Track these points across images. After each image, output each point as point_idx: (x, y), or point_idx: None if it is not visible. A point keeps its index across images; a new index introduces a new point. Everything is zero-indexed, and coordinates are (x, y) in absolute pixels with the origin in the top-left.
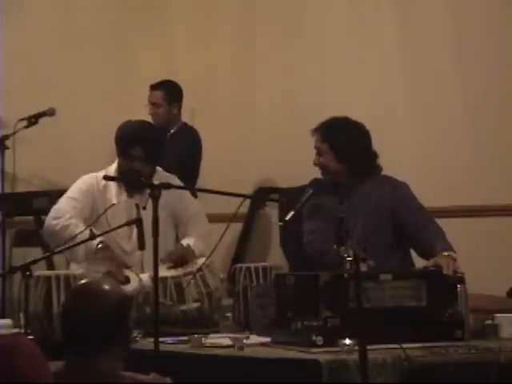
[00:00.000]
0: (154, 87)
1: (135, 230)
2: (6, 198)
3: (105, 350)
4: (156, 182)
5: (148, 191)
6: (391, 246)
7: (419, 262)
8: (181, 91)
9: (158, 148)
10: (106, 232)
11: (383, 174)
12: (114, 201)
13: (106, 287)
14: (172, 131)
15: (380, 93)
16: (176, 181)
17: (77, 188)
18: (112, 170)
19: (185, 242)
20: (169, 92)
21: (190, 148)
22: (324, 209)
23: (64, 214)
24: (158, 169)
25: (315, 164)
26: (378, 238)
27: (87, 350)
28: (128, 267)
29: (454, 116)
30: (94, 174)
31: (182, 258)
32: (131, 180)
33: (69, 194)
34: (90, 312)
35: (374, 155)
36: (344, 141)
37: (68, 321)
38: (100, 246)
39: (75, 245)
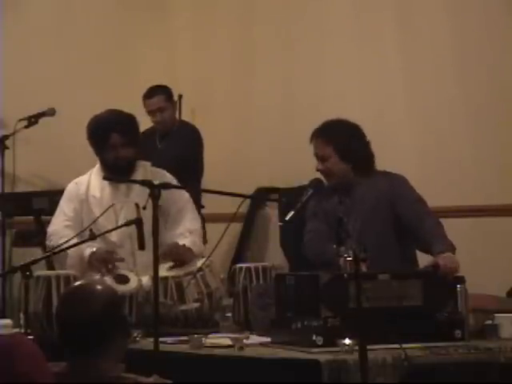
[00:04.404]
0: (149, 95)
1: (121, 221)
2: (6, 197)
3: (103, 350)
4: (156, 181)
5: (135, 185)
6: (392, 242)
7: (422, 257)
8: (172, 91)
9: (133, 127)
10: (106, 232)
11: (380, 169)
12: (98, 195)
13: (96, 288)
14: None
15: (380, 93)
16: (166, 176)
17: (64, 201)
18: (96, 170)
19: (180, 243)
20: (167, 93)
21: (192, 145)
22: (324, 210)
23: (56, 235)
24: (146, 163)
25: (318, 170)
26: (378, 235)
27: (84, 350)
28: (121, 260)
29: (454, 116)
30: (74, 180)
31: (176, 254)
32: (121, 168)
33: (58, 211)
34: (80, 313)
35: (372, 154)
36: (346, 140)
37: (61, 323)
38: (94, 249)
39: (76, 244)
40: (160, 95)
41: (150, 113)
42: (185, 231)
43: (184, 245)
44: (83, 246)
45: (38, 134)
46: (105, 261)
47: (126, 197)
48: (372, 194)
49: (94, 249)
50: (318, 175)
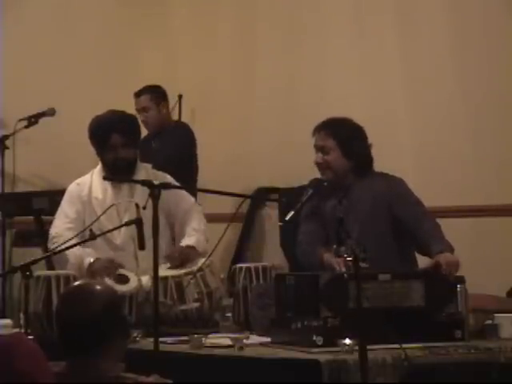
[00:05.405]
0: (138, 94)
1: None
2: (6, 197)
3: (103, 350)
4: (156, 181)
5: (137, 187)
6: (390, 242)
7: (421, 259)
8: (164, 91)
9: (134, 128)
10: (106, 232)
11: (379, 171)
12: (100, 197)
13: (96, 288)
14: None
15: (380, 94)
16: (167, 178)
17: (66, 202)
18: (98, 171)
19: (185, 242)
20: (154, 93)
21: (183, 145)
22: (321, 212)
23: (59, 237)
24: (147, 165)
25: (317, 163)
26: (376, 236)
27: (84, 350)
28: (122, 267)
29: (454, 116)
30: (76, 181)
31: (185, 260)
32: (121, 169)
33: (59, 212)
34: (80, 313)
35: (372, 158)
36: (350, 137)
37: (61, 323)
38: (92, 260)
39: (76, 244)
40: (146, 95)
41: (137, 111)
42: (190, 230)
43: (187, 245)
44: (83, 254)
45: (38, 133)
46: (106, 270)
47: (129, 199)
48: (369, 195)
49: (92, 259)
50: (318, 175)
